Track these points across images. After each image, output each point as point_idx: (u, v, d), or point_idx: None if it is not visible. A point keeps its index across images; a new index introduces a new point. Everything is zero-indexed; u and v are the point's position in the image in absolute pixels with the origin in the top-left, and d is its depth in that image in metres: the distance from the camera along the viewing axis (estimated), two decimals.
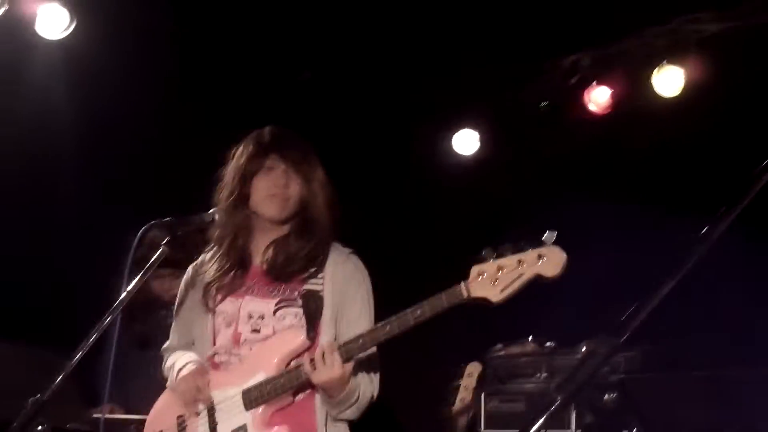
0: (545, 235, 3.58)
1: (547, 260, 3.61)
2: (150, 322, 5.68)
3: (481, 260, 3.70)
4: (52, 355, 4.00)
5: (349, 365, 3.89)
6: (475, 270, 3.72)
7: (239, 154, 4.24)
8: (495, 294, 3.68)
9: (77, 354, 3.64)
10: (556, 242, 3.62)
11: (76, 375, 3.76)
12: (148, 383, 4.77)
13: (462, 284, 3.75)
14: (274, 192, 4.16)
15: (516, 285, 3.66)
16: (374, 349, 4.01)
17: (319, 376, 3.88)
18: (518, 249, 3.65)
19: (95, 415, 4.94)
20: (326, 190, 4.22)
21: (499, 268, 3.66)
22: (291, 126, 4.36)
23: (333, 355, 3.86)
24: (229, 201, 4.18)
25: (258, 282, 4.19)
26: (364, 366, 4.06)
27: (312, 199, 4.18)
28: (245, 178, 4.18)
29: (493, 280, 3.66)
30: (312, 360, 3.88)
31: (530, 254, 3.62)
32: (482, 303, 3.74)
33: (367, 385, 4.10)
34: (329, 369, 3.86)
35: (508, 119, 7.73)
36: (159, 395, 4.40)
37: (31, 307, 6.79)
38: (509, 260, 3.65)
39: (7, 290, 6.52)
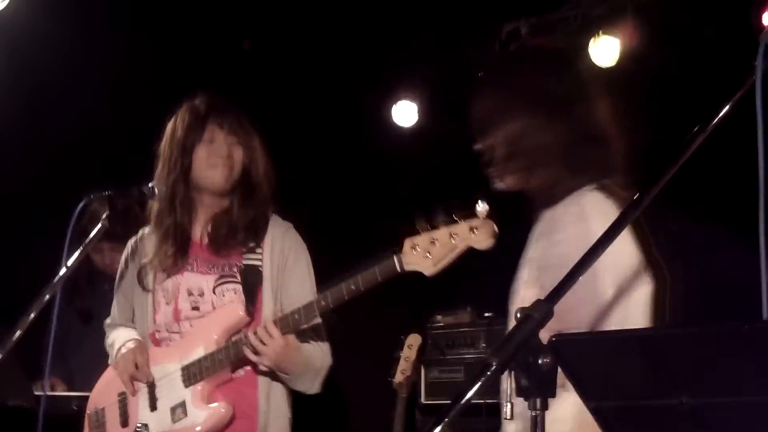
0: (478, 206, 3.60)
1: (480, 233, 3.62)
2: (93, 296, 5.67)
3: (414, 232, 3.72)
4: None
5: (291, 336, 3.91)
6: (408, 243, 3.73)
7: (175, 127, 4.20)
8: (428, 267, 3.69)
9: (17, 330, 3.63)
10: (489, 214, 3.64)
11: (18, 351, 3.75)
12: (92, 357, 4.78)
13: (394, 257, 3.76)
14: (217, 162, 4.14)
15: (449, 258, 3.68)
16: (318, 320, 4.02)
17: (265, 354, 3.89)
18: (451, 221, 3.67)
19: (37, 392, 4.93)
20: (265, 157, 4.21)
21: (432, 241, 3.67)
22: (231, 95, 4.34)
23: (270, 328, 3.87)
24: (170, 176, 4.15)
25: (198, 257, 4.19)
26: (311, 337, 4.08)
27: (254, 167, 4.18)
28: (185, 151, 4.15)
29: (425, 252, 3.68)
30: (253, 347, 3.89)
31: (462, 226, 3.63)
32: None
33: (321, 355, 4.11)
34: (271, 343, 3.87)
35: (445, 90, 7.75)
36: (103, 369, 4.41)
37: None
38: (442, 233, 3.67)
39: None
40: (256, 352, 3.89)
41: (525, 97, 3.30)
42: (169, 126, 4.23)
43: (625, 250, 3.08)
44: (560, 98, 3.27)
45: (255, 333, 3.89)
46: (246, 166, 4.17)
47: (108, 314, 4.46)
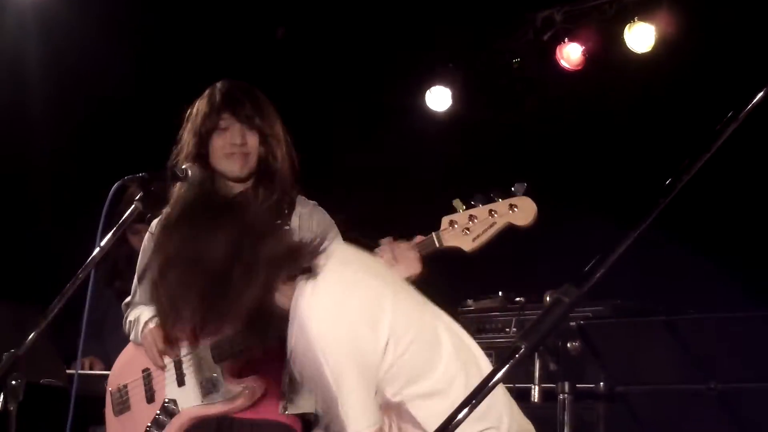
0: (515, 186, 3.61)
1: (519, 210, 3.64)
2: (132, 278, 5.70)
3: (452, 210, 3.73)
4: (32, 311, 4.00)
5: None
6: (446, 220, 3.75)
7: (194, 115, 4.21)
8: (467, 243, 3.70)
9: (52, 310, 3.65)
10: (527, 192, 3.65)
11: (53, 331, 3.78)
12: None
13: (433, 234, 3.78)
14: (232, 150, 4.14)
15: (488, 234, 3.69)
16: None
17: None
18: (489, 199, 3.67)
19: (69, 371, 4.96)
20: (284, 143, 4.20)
21: (471, 218, 3.68)
22: (265, 83, 4.35)
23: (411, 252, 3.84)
24: (188, 161, 4.14)
25: None
26: None
27: (270, 154, 4.16)
28: (202, 138, 4.16)
29: (464, 229, 3.69)
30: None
31: (502, 204, 3.65)
32: (455, 252, 3.77)
33: None
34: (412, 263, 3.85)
35: (480, 76, 7.74)
36: None
37: (8, 264, 6.81)
38: (481, 210, 3.68)
39: None
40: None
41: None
42: (189, 113, 4.25)
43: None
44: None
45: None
46: (262, 154, 4.16)
47: None
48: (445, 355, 3.26)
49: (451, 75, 7.76)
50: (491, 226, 3.67)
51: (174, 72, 7.04)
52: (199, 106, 4.21)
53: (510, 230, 3.75)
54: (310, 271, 3.25)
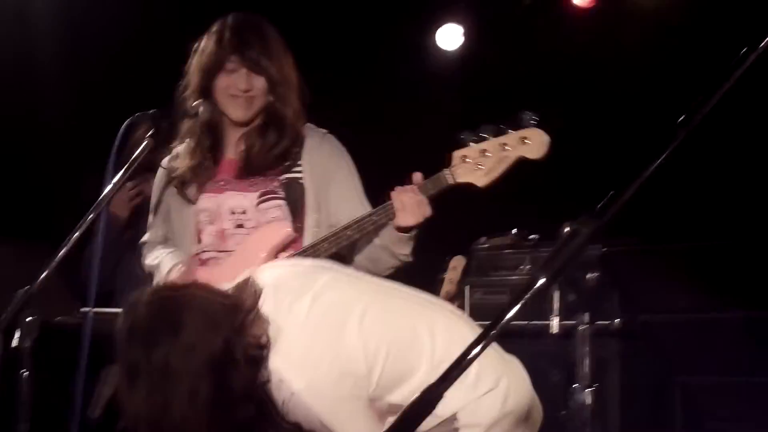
0: (525, 116, 3.56)
1: (531, 142, 3.59)
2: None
3: (463, 145, 3.68)
4: (44, 249, 4.00)
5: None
6: (457, 154, 3.70)
7: (201, 49, 4.15)
8: (479, 178, 3.66)
9: (64, 247, 3.64)
10: (538, 124, 3.61)
11: (66, 270, 3.77)
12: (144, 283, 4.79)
13: (446, 170, 3.74)
14: (236, 93, 4.09)
15: (501, 168, 3.65)
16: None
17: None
18: (499, 131, 3.63)
19: (83, 309, 4.96)
20: (293, 84, 4.14)
21: (483, 152, 3.64)
22: (272, 16, 4.28)
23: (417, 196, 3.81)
24: (194, 96, 4.11)
25: (233, 176, 4.17)
26: None
27: (278, 97, 4.11)
28: (208, 75, 4.10)
29: (476, 164, 3.65)
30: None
31: (513, 136, 3.60)
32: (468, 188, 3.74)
33: None
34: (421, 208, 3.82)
35: (491, 14, 7.67)
36: None
37: (21, 203, 6.83)
38: (492, 143, 3.64)
39: None
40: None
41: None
42: (196, 46, 4.19)
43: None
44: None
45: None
46: (270, 98, 4.11)
47: None
48: (426, 352, 3.23)
49: (462, 12, 7.69)
50: (503, 160, 3.63)
51: (181, 5, 6.99)
52: (207, 42, 4.14)
53: (523, 166, 3.72)
54: (263, 348, 3.20)
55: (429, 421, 2.00)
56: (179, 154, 4.25)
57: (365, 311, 3.27)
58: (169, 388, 3.10)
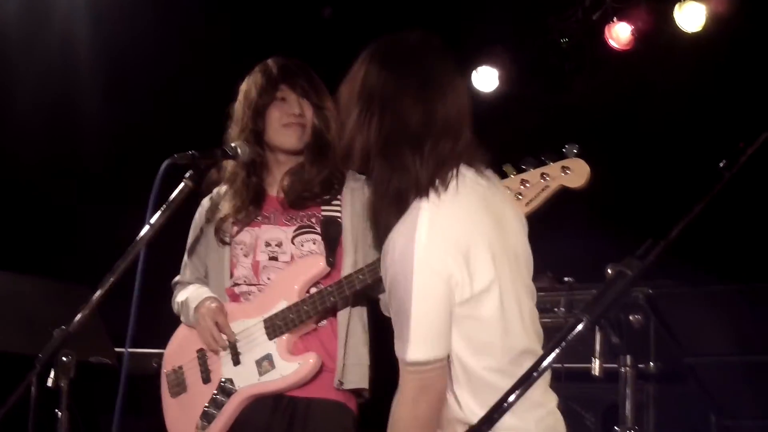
0: (566, 148, 3.55)
1: (572, 172, 3.57)
2: None
3: (504, 176, 3.67)
4: (83, 289, 4.00)
5: None
6: None
7: (248, 89, 4.22)
8: (520, 208, 3.65)
9: (101, 288, 3.64)
10: (580, 154, 3.59)
11: (102, 310, 3.78)
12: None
13: None
14: (290, 121, 4.16)
15: (541, 198, 3.62)
16: None
17: None
18: (540, 163, 3.62)
19: (118, 349, 4.97)
20: (335, 116, 4.14)
21: (523, 182, 3.62)
22: (310, 62, 4.34)
23: None
24: (242, 137, 4.16)
25: (275, 211, 4.19)
26: None
27: (325, 127, 4.18)
28: (258, 112, 4.17)
29: (517, 194, 3.64)
30: None
31: (554, 167, 3.58)
32: None
33: None
34: None
35: (528, 56, 7.69)
36: None
37: (61, 244, 6.87)
38: (533, 174, 3.62)
39: (36, 229, 6.58)
40: None
41: (352, 94, 3.21)
42: (243, 87, 4.26)
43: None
44: (378, 95, 3.16)
45: None
46: (317, 127, 4.18)
47: None
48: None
49: (498, 55, 7.71)
50: (544, 189, 3.61)
51: (222, 52, 7.05)
52: (254, 80, 4.22)
53: (559, 210, 3.70)
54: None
55: None
56: (221, 195, 4.28)
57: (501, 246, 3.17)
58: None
